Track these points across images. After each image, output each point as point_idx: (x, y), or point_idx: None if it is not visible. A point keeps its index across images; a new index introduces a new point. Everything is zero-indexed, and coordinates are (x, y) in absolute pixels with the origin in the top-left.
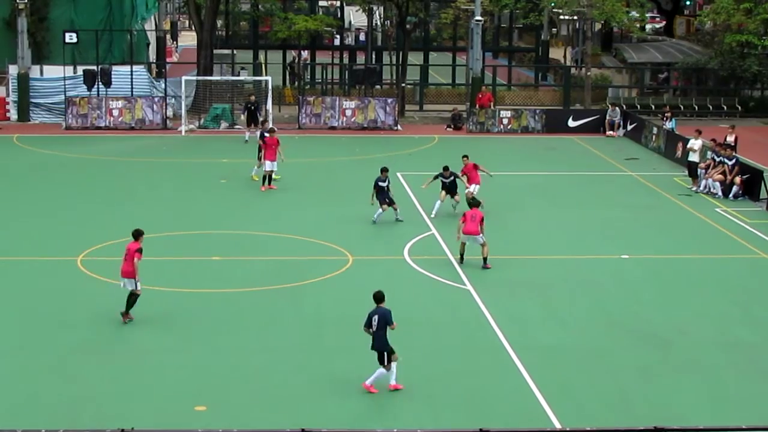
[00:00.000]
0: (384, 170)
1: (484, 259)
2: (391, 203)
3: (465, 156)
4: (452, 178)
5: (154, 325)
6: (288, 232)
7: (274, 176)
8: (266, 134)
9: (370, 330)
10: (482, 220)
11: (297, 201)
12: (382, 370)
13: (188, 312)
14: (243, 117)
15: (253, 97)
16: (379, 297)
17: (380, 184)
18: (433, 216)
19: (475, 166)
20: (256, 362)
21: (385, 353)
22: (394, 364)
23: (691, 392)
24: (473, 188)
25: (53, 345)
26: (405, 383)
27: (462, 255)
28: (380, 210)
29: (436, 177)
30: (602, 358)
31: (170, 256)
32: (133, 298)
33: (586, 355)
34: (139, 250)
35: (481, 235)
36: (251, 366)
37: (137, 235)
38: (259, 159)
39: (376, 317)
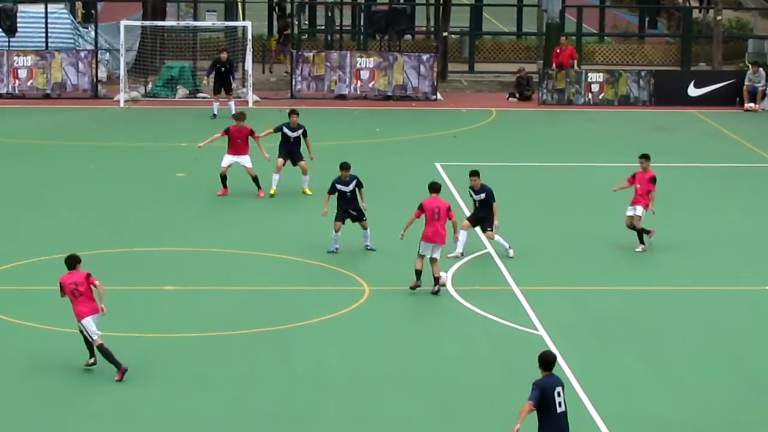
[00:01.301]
0: (345, 167)
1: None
2: (358, 218)
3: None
4: (483, 195)
5: (90, 381)
6: (275, 250)
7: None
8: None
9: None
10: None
11: (289, 205)
12: None
13: (133, 364)
14: (208, 81)
15: (225, 54)
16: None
17: (340, 187)
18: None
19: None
20: None
21: None
22: None
23: None
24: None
25: None
26: None
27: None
28: (333, 234)
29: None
30: None
31: (105, 284)
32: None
33: None
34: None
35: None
36: None
37: (72, 263)
38: (283, 156)
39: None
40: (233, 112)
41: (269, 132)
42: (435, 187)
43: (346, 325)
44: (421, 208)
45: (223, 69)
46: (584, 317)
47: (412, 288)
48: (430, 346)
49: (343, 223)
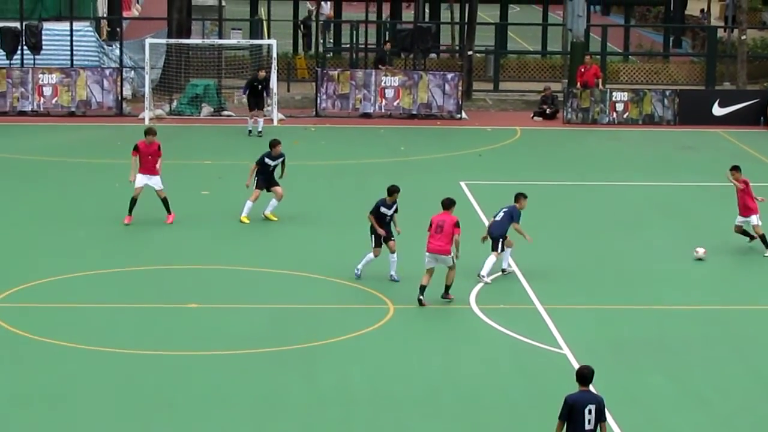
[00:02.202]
0: (393, 191)
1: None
2: (386, 239)
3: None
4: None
5: (112, 400)
6: (299, 268)
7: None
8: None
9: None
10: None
11: (313, 224)
12: None
13: (156, 383)
14: (243, 98)
15: (263, 73)
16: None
17: (383, 210)
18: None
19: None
20: None
21: None
22: None
23: None
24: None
25: None
26: None
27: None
28: (369, 255)
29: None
30: None
31: (129, 302)
32: None
33: None
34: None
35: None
36: None
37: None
38: (260, 186)
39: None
40: (260, 129)
41: (254, 169)
42: (446, 204)
43: (370, 343)
44: (430, 224)
45: (259, 87)
46: (609, 336)
47: (420, 302)
48: (455, 365)
49: (381, 248)
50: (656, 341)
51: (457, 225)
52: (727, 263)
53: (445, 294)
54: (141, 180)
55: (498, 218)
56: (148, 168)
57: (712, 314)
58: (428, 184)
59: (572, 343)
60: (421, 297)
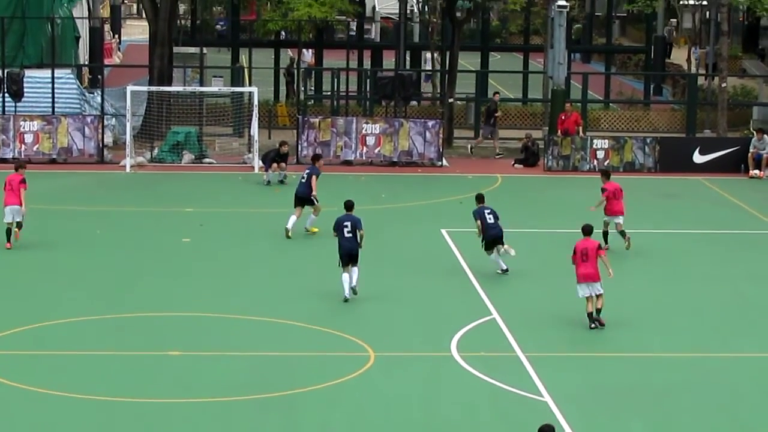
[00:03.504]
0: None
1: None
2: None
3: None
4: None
5: None
6: (279, 315)
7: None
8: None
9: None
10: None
11: (293, 269)
12: None
13: (136, 431)
14: (264, 175)
15: (285, 147)
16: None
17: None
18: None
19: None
20: None
21: None
22: None
23: None
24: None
25: None
26: None
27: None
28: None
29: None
30: None
31: (108, 350)
32: None
33: None
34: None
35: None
36: None
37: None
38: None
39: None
40: (282, 179)
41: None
42: (586, 230)
43: (351, 391)
44: (574, 251)
45: (279, 160)
46: (590, 384)
47: (592, 327)
48: (436, 413)
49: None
50: (638, 388)
51: (600, 248)
52: (708, 311)
53: (598, 319)
54: (8, 212)
55: (492, 221)
56: (9, 198)
57: (694, 362)
58: (409, 232)
59: (554, 391)
60: (593, 324)
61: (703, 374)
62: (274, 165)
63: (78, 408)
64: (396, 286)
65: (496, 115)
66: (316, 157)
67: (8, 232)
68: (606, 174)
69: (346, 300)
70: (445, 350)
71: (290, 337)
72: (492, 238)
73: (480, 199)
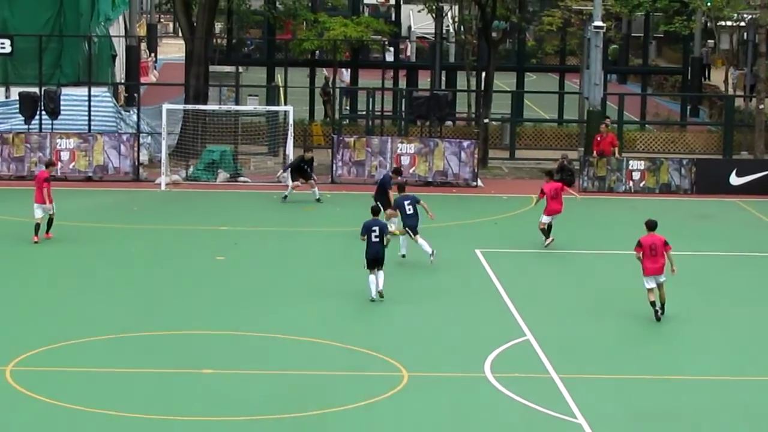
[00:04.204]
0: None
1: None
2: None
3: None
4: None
5: None
6: (311, 334)
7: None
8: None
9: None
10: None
11: (324, 289)
12: None
13: None
14: (283, 175)
15: (310, 154)
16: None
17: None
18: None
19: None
20: None
21: None
22: None
23: None
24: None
25: None
26: None
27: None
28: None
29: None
30: None
31: (140, 367)
32: None
33: None
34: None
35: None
36: None
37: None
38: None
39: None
40: (317, 197)
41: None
42: (651, 225)
43: (384, 411)
44: (640, 246)
45: (305, 166)
46: (625, 406)
47: (659, 317)
48: None
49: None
50: (673, 411)
51: (666, 243)
52: (744, 333)
53: (661, 311)
54: (42, 211)
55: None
56: (40, 197)
57: (728, 385)
58: (444, 252)
59: (587, 413)
60: (658, 312)
61: (738, 398)
62: (296, 183)
63: (110, 425)
64: (430, 306)
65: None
66: (396, 171)
67: (36, 227)
68: (549, 174)
69: (372, 300)
70: (479, 371)
71: (324, 356)
72: (410, 227)
73: (401, 188)
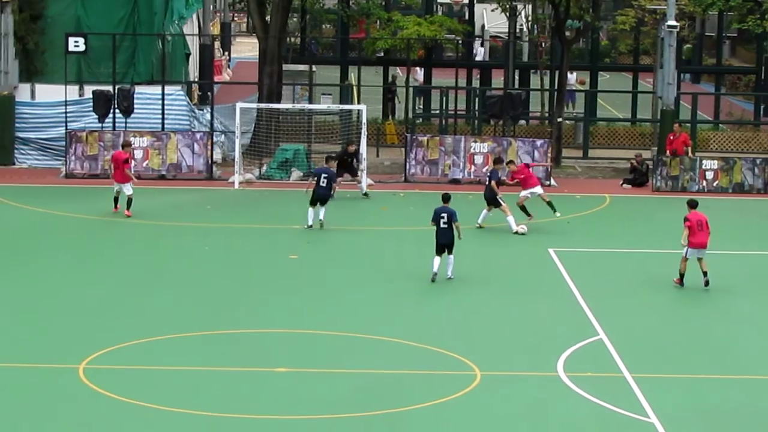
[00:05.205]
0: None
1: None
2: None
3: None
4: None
5: None
6: (383, 333)
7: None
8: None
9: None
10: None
11: (399, 289)
12: None
13: None
14: (366, 179)
15: (353, 147)
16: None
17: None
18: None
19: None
20: None
21: None
22: None
23: None
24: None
25: None
26: None
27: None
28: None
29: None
30: None
31: (213, 365)
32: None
33: None
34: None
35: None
36: None
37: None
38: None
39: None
40: (365, 191)
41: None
42: (693, 204)
43: (457, 410)
44: (689, 221)
45: (349, 159)
46: (696, 405)
47: (678, 282)
48: None
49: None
50: (744, 411)
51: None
52: None
53: (706, 281)
54: (128, 189)
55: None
56: (120, 176)
57: None
58: (516, 251)
59: (660, 413)
60: (682, 282)
61: None
62: (340, 179)
63: (184, 423)
64: (503, 305)
65: None
66: (497, 161)
67: (116, 199)
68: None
69: (433, 278)
70: (552, 370)
71: (397, 355)
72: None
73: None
